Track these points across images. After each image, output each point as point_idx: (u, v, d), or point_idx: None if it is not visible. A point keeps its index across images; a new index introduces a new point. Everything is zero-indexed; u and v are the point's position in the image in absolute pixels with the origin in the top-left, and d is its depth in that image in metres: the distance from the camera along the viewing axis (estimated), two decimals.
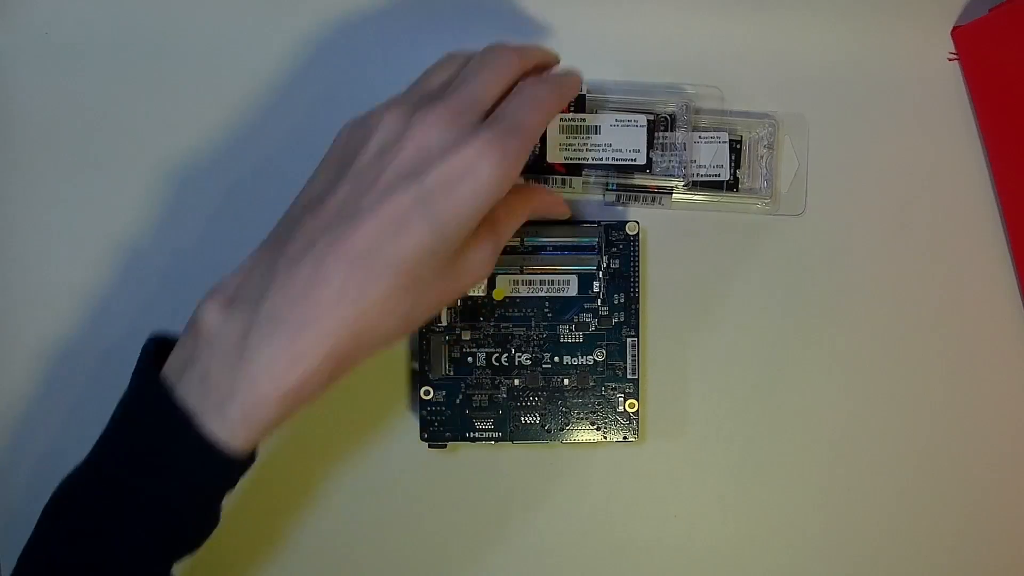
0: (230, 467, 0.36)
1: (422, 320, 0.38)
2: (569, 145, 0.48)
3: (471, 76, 0.38)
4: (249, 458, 0.38)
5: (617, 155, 0.48)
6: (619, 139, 0.48)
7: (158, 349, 0.38)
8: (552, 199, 0.46)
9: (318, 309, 0.35)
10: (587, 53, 0.51)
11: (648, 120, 0.48)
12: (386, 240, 0.35)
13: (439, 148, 0.36)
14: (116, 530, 0.36)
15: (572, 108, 0.47)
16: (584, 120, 0.47)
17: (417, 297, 0.37)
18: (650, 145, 0.48)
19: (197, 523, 0.38)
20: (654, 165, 0.48)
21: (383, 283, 0.35)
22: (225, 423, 0.35)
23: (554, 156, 0.48)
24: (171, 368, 0.37)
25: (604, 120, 0.47)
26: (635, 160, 0.48)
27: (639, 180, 0.49)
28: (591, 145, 0.48)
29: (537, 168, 0.48)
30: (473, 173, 0.35)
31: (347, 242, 0.35)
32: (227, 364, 0.35)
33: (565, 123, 0.47)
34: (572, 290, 0.49)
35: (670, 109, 0.48)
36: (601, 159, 0.48)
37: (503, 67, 0.39)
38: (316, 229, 0.36)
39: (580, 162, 0.48)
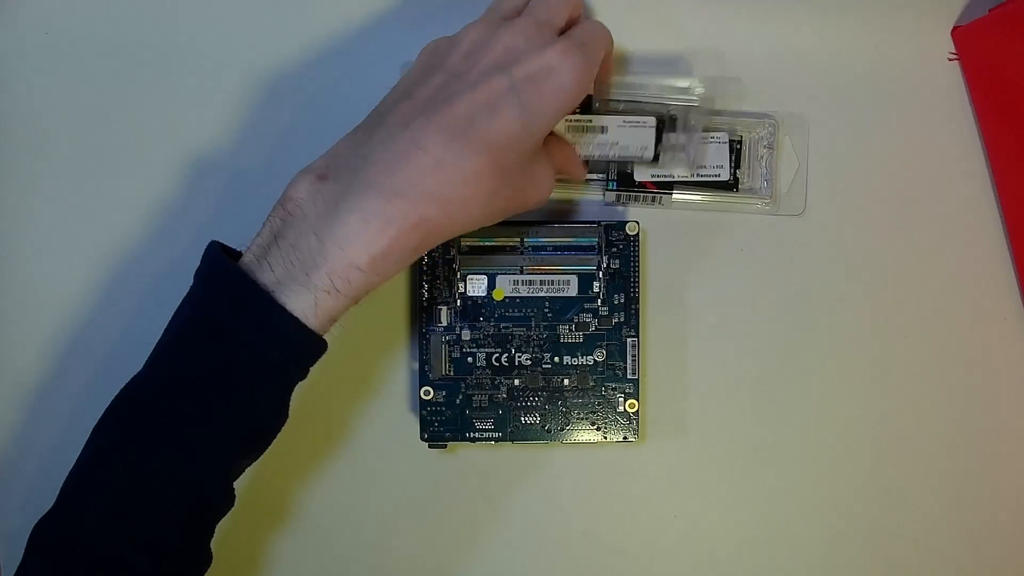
0: (309, 346, 0.36)
1: (496, 217, 0.40)
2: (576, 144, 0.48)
3: (543, 1, 0.41)
4: (322, 344, 0.38)
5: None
6: (627, 138, 0.48)
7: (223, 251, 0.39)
8: (577, 157, 0.46)
9: (414, 175, 0.36)
10: None
11: (658, 120, 0.47)
12: (480, 118, 0.37)
13: (526, 49, 0.38)
14: (191, 423, 0.36)
15: (578, 109, 0.47)
16: (591, 121, 0.47)
17: (499, 187, 0.38)
18: (659, 142, 0.48)
19: (270, 414, 0.38)
20: (660, 159, 0.48)
21: (477, 159, 0.37)
22: (308, 295, 0.35)
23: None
24: (250, 256, 0.38)
25: (611, 121, 0.47)
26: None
27: (646, 172, 0.49)
28: (598, 143, 0.48)
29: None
30: (557, 72, 0.38)
31: (445, 115, 0.37)
32: (317, 230, 0.36)
33: (572, 123, 0.47)
34: (572, 290, 0.49)
35: (676, 106, 0.48)
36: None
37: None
38: (412, 111, 0.38)
39: (587, 156, 0.47)
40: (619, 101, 0.48)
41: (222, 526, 0.41)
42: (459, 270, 0.48)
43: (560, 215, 0.50)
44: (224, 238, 0.50)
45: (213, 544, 0.41)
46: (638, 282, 0.49)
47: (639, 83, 0.49)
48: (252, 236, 0.42)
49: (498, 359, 0.48)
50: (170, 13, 0.51)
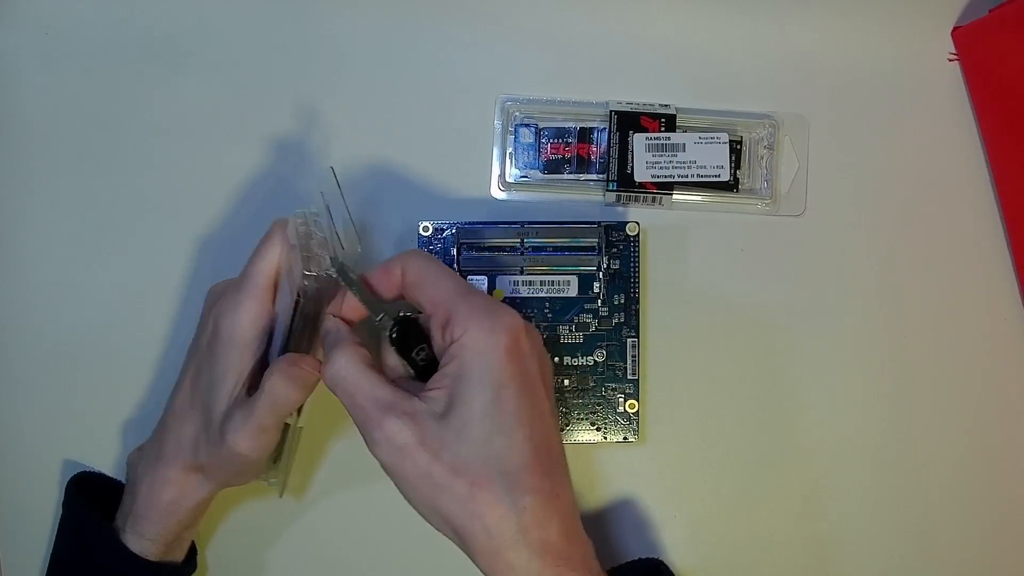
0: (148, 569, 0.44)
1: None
2: (656, 163, 0.49)
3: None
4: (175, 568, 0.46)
5: (702, 172, 0.49)
6: (703, 156, 0.49)
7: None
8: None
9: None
10: (587, 52, 0.51)
11: (731, 140, 0.49)
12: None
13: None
14: None
15: (663, 127, 0.49)
16: (669, 138, 0.49)
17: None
18: (735, 164, 0.49)
19: None
20: (740, 184, 0.50)
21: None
22: (133, 537, 0.44)
23: (642, 175, 0.49)
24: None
25: (688, 138, 0.48)
26: (719, 176, 0.49)
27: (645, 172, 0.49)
28: (677, 162, 0.49)
29: (628, 186, 0.49)
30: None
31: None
32: (128, 492, 0.45)
33: (651, 142, 0.48)
34: (572, 291, 0.49)
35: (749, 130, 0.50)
36: (687, 176, 0.49)
37: None
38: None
39: (669, 180, 0.49)
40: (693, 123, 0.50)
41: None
42: (460, 271, 0.48)
43: (560, 215, 0.50)
44: (223, 238, 0.50)
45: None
46: (638, 282, 0.49)
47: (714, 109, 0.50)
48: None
49: None
50: (170, 13, 0.51)
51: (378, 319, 0.41)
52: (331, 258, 0.41)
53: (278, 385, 0.41)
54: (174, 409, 0.44)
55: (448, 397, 0.38)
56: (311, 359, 0.42)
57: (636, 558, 0.47)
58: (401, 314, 0.41)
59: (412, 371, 0.41)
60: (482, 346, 0.38)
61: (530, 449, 0.37)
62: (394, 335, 0.41)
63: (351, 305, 0.42)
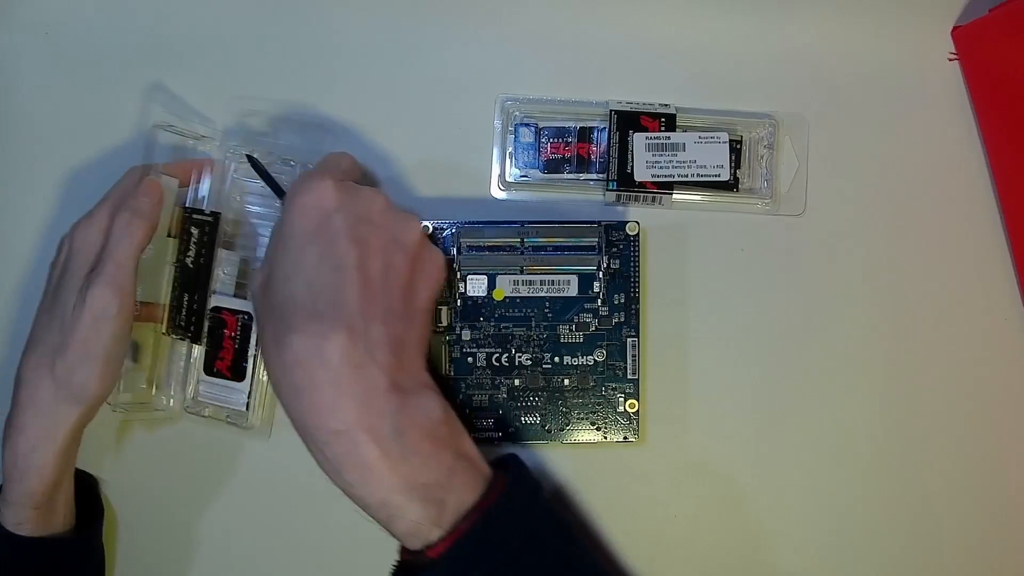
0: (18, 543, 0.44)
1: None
2: (656, 163, 0.49)
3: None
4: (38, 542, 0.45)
5: (702, 171, 0.49)
6: (703, 156, 0.49)
7: None
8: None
9: None
10: (587, 52, 0.51)
11: (731, 139, 0.49)
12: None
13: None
14: None
15: (663, 127, 0.49)
16: (669, 138, 0.49)
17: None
18: (735, 163, 0.49)
19: None
20: (740, 184, 0.50)
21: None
22: (4, 508, 0.44)
23: (642, 174, 0.49)
24: None
25: (688, 138, 0.48)
26: (719, 176, 0.49)
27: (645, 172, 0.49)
28: (677, 162, 0.49)
29: (628, 186, 0.49)
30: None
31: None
32: None
33: (651, 141, 0.48)
34: (572, 290, 0.49)
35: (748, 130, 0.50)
36: (687, 176, 0.49)
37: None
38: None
39: (669, 179, 0.49)
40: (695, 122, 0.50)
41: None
42: (459, 270, 0.48)
43: (560, 215, 0.50)
44: None
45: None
46: (638, 282, 0.49)
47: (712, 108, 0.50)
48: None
49: (498, 359, 0.48)
50: (170, 14, 0.51)
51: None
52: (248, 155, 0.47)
53: (122, 218, 0.44)
54: (26, 352, 0.45)
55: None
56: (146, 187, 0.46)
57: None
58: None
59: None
60: (284, 207, 0.42)
61: (305, 294, 0.40)
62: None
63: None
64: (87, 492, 0.49)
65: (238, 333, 0.47)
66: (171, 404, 0.48)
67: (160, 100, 0.51)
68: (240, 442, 0.50)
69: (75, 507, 0.47)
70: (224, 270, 0.48)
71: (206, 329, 0.47)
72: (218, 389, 0.47)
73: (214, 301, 0.47)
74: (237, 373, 0.47)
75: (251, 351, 0.47)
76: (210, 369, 0.47)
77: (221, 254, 0.47)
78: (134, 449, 0.50)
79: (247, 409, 0.47)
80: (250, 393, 0.47)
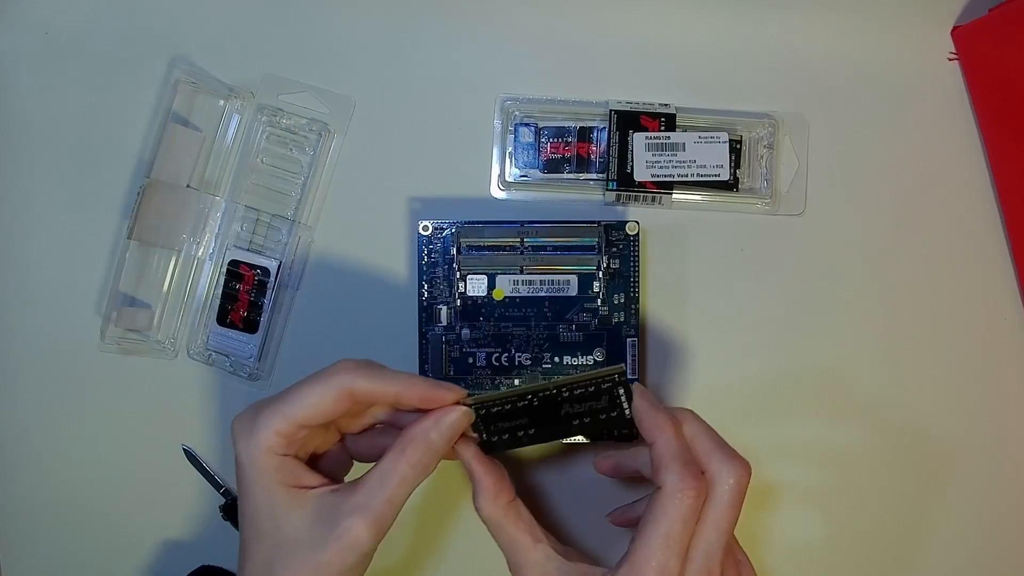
0: None
1: None
2: (656, 162, 0.49)
3: None
4: None
5: (702, 171, 0.49)
6: (703, 155, 0.49)
7: None
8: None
9: None
10: (587, 52, 0.51)
11: (731, 139, 0.49)
12: None
13: None
14: None
15: (662, 127, 0.49)
16: (669, 138, 0.49)
17: None
18: (734, 163, 0.49)
19: None
20: (740, 183, 0.50)
21: None
22: None
23: (642, 174, 0.49)
24: None
25: (688, 137, 0.48)
26: (719, 176, 0.49)
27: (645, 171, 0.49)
28: (676, 162, 0.49)
29: (628, 185, 0.49)
30: None
31: None
32: None
33: (651, 141, 0.48)
34: (572, 290, 0.49)
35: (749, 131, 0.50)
36: (687, 176, 0.49)
37: None
38: None
39: (669, 179, 0.49)
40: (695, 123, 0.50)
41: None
42: (459, 270, 0.48)
43: (560, 214, 0.50)
44: None
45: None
46: (638, 282, 0.49)
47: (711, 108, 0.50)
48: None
49: (498, 359, 0.48)
50: (170, 14, 0.51)
51: None
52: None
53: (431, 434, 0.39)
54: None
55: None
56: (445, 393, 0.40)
57: None
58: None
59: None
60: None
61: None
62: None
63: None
64: None
65: (253, 287, 0.48)
66: (175, 347, 0.50)
67: (160, 98, 0.51)
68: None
69: None
70: (242, 225, 0.49)
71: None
72: (227, 340, 0.49)
73: (231, 255, 0.49)
74: (249, 326, 0.49)
75: (266, 305, 0.49)
76: (223, 320, 0.49)
77: (239, 210, 0.49)
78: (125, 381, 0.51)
79: (258, 360, 0.49)
80: (262, 345, 0.49)
